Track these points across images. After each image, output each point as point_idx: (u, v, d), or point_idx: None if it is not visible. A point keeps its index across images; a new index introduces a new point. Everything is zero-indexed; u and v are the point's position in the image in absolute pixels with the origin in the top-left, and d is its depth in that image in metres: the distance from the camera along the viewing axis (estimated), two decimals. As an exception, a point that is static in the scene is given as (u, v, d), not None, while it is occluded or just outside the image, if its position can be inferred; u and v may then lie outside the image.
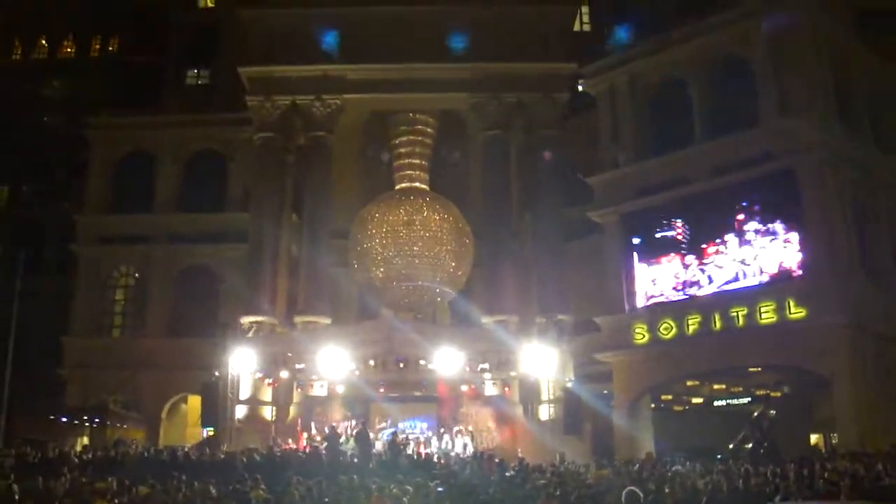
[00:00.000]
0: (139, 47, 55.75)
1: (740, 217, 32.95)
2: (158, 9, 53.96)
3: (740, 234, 32.91)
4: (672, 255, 34.91)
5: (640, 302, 35.67)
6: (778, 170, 32.08)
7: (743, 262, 32.66)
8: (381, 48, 40.18)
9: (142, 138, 47.46)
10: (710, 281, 33.56)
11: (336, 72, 41.30)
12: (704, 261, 33.82)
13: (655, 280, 35.28)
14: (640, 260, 35.97)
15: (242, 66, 42.29)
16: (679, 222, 34.98)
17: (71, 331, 44.87)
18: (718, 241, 33.51)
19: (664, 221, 35.34)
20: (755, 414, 36.73)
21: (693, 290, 34.01)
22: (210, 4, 54.95)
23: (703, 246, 34.02)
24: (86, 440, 38.40)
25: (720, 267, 33.24)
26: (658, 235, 35.58)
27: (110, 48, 59.35)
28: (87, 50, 59.65)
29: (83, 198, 47.85)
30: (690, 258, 34.33)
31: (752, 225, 32.61)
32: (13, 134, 54.63)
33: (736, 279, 32.76)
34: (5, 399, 35.80)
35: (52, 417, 39.41)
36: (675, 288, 34.58)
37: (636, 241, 36.29)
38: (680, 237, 34.95)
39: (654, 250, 35.66)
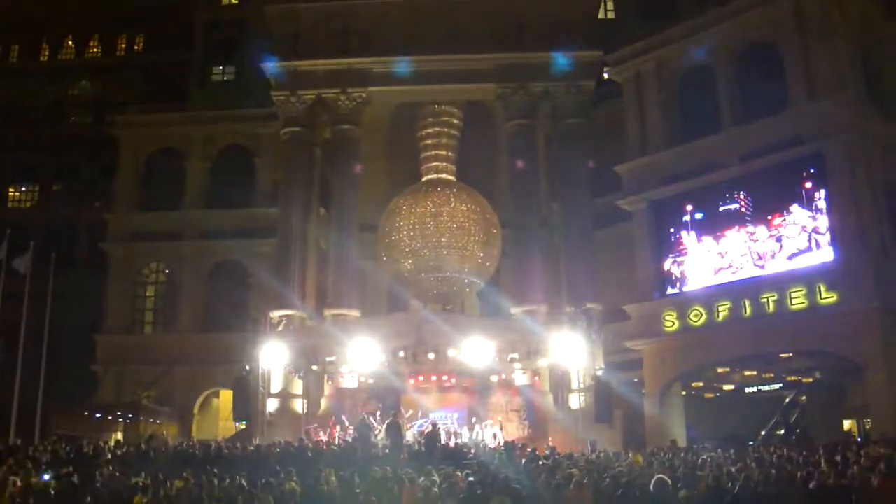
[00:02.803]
0: (165, 46, 55.99)
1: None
2: (183, 7, 54.21)
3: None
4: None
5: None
6: (807, 154, 31.86)
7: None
8: (405, 40, 40.11)
9: (169, 136, 47.87)
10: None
11: (361, 65, 41.25)
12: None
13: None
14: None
15: (268, 61, 42.38)
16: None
17: (103, 328, 45.35)
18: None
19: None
20: (787, 400, 36.56)
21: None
22: (234, 1, 55.08)
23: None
24: (120, 435, 38.70)
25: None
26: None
27: (136, 47, 59.63)
28: (113, 50, 59.98)
29: (113, 196, 48.34)
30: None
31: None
32: (42, 135, 55.18)
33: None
34: (41, 396, 36.21)
35: (86, 413, 39.81)
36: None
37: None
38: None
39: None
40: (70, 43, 60.48)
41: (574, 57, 40.32)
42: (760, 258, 33.05)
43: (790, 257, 32.20)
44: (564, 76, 40.51)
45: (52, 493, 21.09)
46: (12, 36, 60.11)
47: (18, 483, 21.13)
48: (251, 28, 50.18)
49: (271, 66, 42.18)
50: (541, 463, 24.68)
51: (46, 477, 22.66)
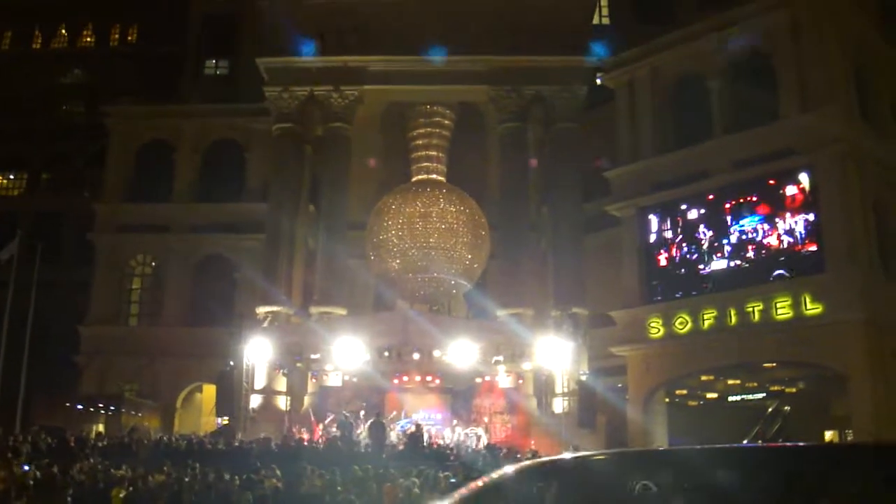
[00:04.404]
0: (158, 37, 55.87)
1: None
2: (178, -1, 54.17)
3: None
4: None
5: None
6: (798, 164, 31.97)
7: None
8: (399, 40, 40.08)
9: (161, 128, 47.69)
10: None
11: (355, 63, 41.18)
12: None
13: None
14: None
15: (261, 56, 42.30)
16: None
17: (87, 319, 45.10)
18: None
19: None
20: (770, 410, 36.61)
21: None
22: (230, -6, 54.99)
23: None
24: (101, 427, 38.66)
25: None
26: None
27: (130, 38, 59.54)
28: (106, 39, 59.84)
29: (102, 186, 48.14)
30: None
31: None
32: (33, 123, 55.00)
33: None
34: (23, 386, 36.10)
35: (68, 404, 39.70)
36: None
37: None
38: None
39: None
40: (63, 31, 60.32)
41: (568, 62, 40.37)
42: (748, 267, 33.10)
43: (777, 267, 32.26)
44: (557, 80, 40.54)
45: (32, 483, 21.07)
46: (5, 23, 59.91)
47: (0, 473, 21.11)
48: (246, 22, 50.04)
49: (264, 62, 42.12)
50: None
51: (27, 467, 22.65)
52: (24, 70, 57.15)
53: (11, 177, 57.72)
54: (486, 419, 35.94)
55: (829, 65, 32.40)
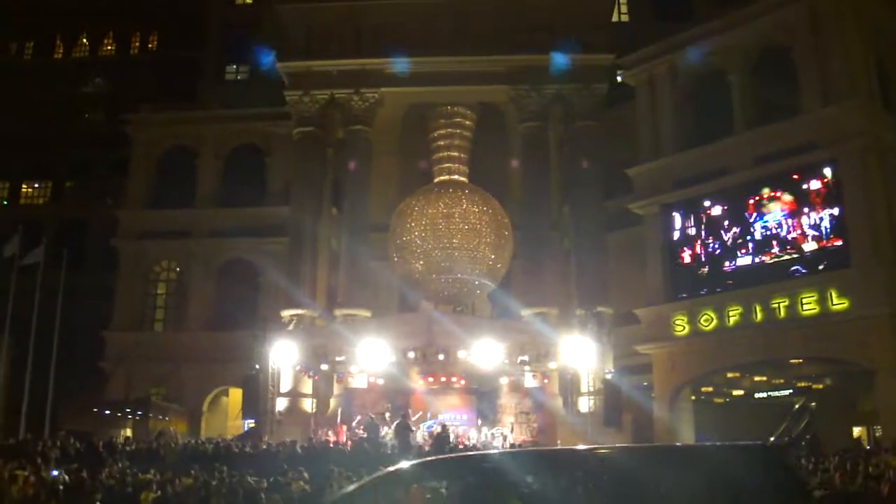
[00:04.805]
0: (178, 44, 56.18)
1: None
2: (197, 6, 54.39)
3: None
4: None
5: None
6: (821, 159, 31.77)
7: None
8: (418, 41, 40.10)
9: (182, 134, 47.97)
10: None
11: (374, 66, 41.29)
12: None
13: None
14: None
15: (281, 61, 42.44)
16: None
17: (113, 325, 45.39)
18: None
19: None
20: (796, 406, 36.37)
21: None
22: (248, 1, 55.24)
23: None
24: (129, 432, 38.84)
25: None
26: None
27: (150, 45, 59.90)
28: (127, 48, 60.29)
29: (125, 193, 48.44)
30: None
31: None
32: (56, 132, 55.39)
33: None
34: (51, 392, 36.37)
35: (95, 410, 39.90)
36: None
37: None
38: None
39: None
40: (84, 41, 60.76)
41: (587, 59, 40.29)
42: (772, 263, 32.93)
43: (802, 263, 32.07)
44: (577, 79, 40.47)
45: (62, 488, 21.19)
46: (27, 34, 60.47)
47: (30, 478, 21.25)
48: (265, 27, 50.21)
49: (284, 66, 42.27)
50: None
51: (56, 472, 22.79)
52: (46, 79, 57.68)
53: (36, 185, 58.21)
54: (511, 419, 35.91)
55: (850, 57, 32.13)
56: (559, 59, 39.68)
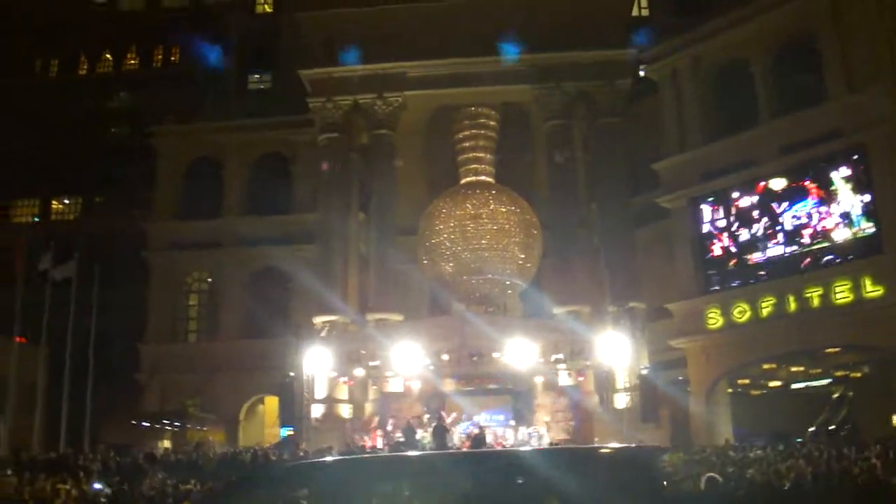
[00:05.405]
0: (200, 56, 56.53)
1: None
2: (218, 17, 54.73)
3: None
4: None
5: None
6: (849, 145, 31.58)
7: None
8: (440, 43, 40.16)
9: (207, 144, 48.15)
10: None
11: (396, 70, 41.37)
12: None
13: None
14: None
15: (303, 68, 42.60)
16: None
17: (146, 337, 45.67)
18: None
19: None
20: (835, 396, 36.19)
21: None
22: (269, 9, 55.50)
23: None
24: (168, 443, 39.12)
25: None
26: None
27: (173, 58, 60.40)
28: (150, 61, 60.89)
29: (152, 206, 48.76)
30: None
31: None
32: (83, 147, 55.89)
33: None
34: (89, 405, 36.71)
35: (133, 422, 40.20)
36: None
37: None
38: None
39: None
40: (108, 56, 61.33)
41: (609, 56, 40.23)
42: (804, 252, 32.76)
43: (834, 251, 31.90)
44: (600, 75, 40.41)
45: (104, 501, 21.38)
46: (52, 51, 61.15)
47: (72, 492, 21.44)
48: (286, 36, 50.42)
49: (306, 74, 42.43)
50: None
51: (98, 486, 22.99)
52: (72, 96, 58.24)
53: (66, 201, 58.79)
54: (546, 418, 35.90)
55: (874, 42, 31.85)
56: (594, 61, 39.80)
